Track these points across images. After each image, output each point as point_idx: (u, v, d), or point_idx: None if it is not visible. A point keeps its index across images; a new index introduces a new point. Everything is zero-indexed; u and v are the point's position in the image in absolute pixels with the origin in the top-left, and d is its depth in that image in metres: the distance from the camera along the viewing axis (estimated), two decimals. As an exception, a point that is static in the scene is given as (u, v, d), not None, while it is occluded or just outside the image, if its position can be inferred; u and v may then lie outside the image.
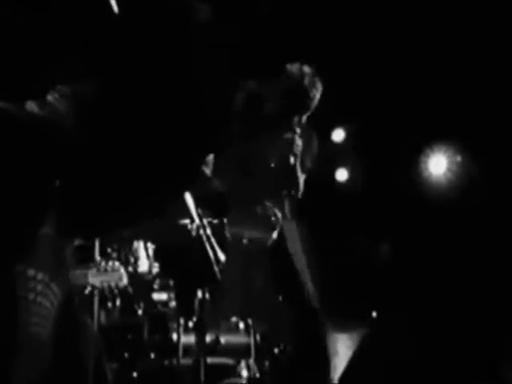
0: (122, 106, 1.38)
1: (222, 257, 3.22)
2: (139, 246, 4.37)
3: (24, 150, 1.29)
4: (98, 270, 3.31)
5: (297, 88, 4.39)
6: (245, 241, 4.01)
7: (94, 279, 3.31)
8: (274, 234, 4.13)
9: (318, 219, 6.75)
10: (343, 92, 6.65)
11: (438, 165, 7.04)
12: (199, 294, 3.43)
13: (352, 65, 6.55)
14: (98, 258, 3.70)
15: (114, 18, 1.57)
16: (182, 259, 3.97)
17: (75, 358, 1.56)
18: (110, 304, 4.29)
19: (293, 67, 4.46)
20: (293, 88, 4.39)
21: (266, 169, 4.28)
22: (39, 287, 1.38)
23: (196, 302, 3.42)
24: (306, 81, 4.41)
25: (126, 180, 1.41)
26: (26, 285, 1.36)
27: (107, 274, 3.34)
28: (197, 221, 3.27)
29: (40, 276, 1.38)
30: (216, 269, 3.15)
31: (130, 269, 4.42)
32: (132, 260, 4.37)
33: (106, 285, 3.34)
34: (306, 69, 4.46)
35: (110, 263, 3.36)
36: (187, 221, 3.47)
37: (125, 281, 3.37)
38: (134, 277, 4.40)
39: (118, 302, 4.32)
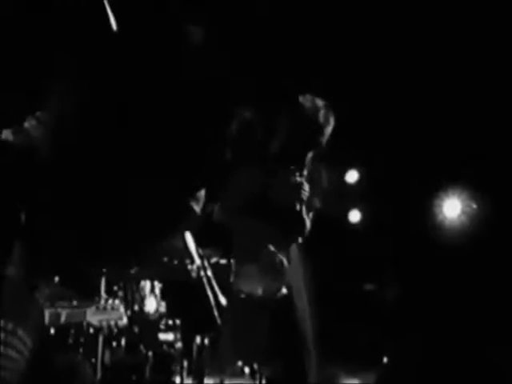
0: (104, 130, 1.34)
1: (222, 300, 3.14)
2: (146, 284, 4.34)
3: None
4: (98, 308, 3.24)
5: (310, 124, 4.03)
6: (252, 298, 3.83)
7: (93, 318, 3.25)
8: (283, 289, 3.90)
9: (329, 260, 6.70)
10: (358, 134, 6.65)
11: (453, 208, 7.00)
12: (198, 339, 3.35)
13: (367, 107, 6.56)
14: (100, 295, 3.64)
15: (111, 34, 1.55)
16: (186, 300, 3.92)
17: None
18: (114, 343, 4.25)
19: (305, 100, 4.07)
20: (306, 124, 4.03)
21: (271, 213, 4.04)
22: (2, 336, 1.29)
23: (194, 347, 3.34)
24: (321, 116, 4.04)
25: (102, 214, 1.37)
26: None
27: (106, 313, 3.28)
28: (197, 262, 3.20)
29: (2, 323, 1.29)
30: (216, 314, 3.06)
31: (136, 307, 4.38)
32: (138, 299, 4.33)
33: (104, 324, 3.28)
34: (320, 102, 4.08)
35: (110, 301, 3.30)
36: (190, 264, 3.40)
37: (124, 320, 3.30)
38: (140, 316, 4.36)
39: (123, 341, 4.27)
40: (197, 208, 1.60)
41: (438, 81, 6.17)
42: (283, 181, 4.00)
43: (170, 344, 4.28)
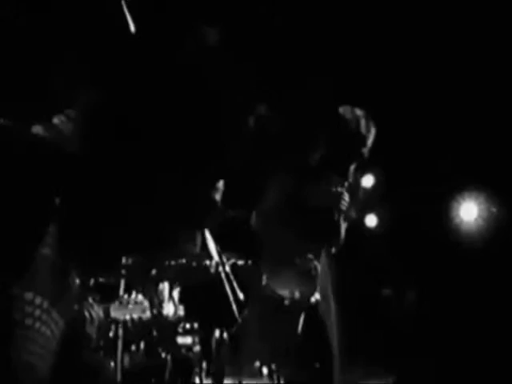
0: (126, 126, 1.39)
1: (240, 296, 3.15)
2: (164, 288, 4.36)
3: (25, 169, 1.30)
4: (121, 303, 3.26)
5: (353, 135, 4.01)
6: (286, 301, 3.81)
7: (117, 313, 3.27)
8: (317, 295, 3.89)
9: (346, 265, 6.69)
10: (375, 138, 6.65)
11: (469, 211, 6.98)
12: (217, 333, 3.36)
13: (383, 112, 6.56)
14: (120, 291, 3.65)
15: (129, 35, 1.60)
16: (205, 300, 3.93)
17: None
18: (133, 347, 4.27)
19: (345, 111, 4.05)
20: (348, 135, 4.00)
21: (308, 220, 4.03)
22: (37, 312, 1.33)
23: (213, 342, 3.35)
24: (363, 126, 4.03)
25: (128, 201, 1.40)
26: (23, 309, 1.31)
27: (130, 307, 3.29)
28: (216, 258, 3.22)
29: (38, 301, 1.33)
30: (234, 308, 3.08)
31: (155, 311, 4.40)
32: (157, 302, 4.35)
33: (128, 318, 3.29)
34: (359, 112, 4.07)
35: (133, 296, 3.32)
36: (208, 260, 3.42)
37: (148, 313, 3.32)
38: (159, 319, 4.38)
39: (141, 345, 4.29)
40: (217, 198, 1.64)
41: (455, 83, 6.17)
42: (325, 190, 3.98)
43: (189, 347, 4.30)
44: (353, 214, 4.14)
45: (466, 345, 6.05)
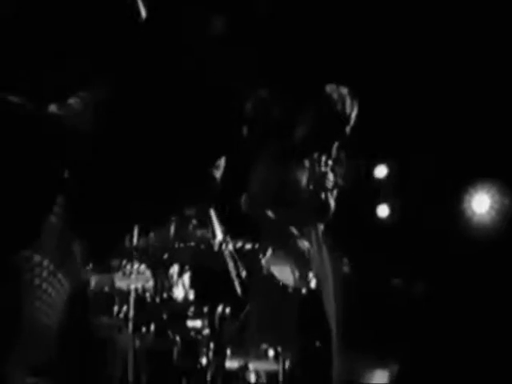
0: (135, 106, 1.47)
1: (243, 274, 3.21)
2: (174, 271, 4.42)
3: (38, 143, 1.41)
4: (124, 273, 3.32)
5: (338, 115, 4.07)
6: (285, 284, 3.87)
7: (121, 283, 3.33)
8: (313, 278, 3.95)
9: (357, 254, 6.72)
10: (386, 129, 6.67)
11: (481, 203, 6.98)
12: (219, 309, 3.42)
13: (396, 103, 6.57)
14: (122, 261, 3.68)
15: (140, 22, 1.68)
16: (213, 283, 3.98)
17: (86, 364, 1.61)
18: (144, 329, 4.34)
19: (331, 90, 4.10)
20: (334, 115, 4.07)
21: (296, 201, 4.09)
22: (44, 273, 1.44)
23: (216, 318, 3.41)
24: (348, 106, 4.07)
25: (135, 177, 1.49)
26: (32, 270, 1.42)
27: (133, 277, 3.35)
28: (220, 236, 3.27)
29: (46, 263, 1.44)
30: (236, 284, 3.13)
31: (165, 295, 4.46)
32: (167, 286, 4.41)
33: (132, 287, 3.35)
34: (344, 90, 4.12)
35: (136, 266, 3.38)
36: (212, 239, 3.48)
37: (151, 282, 3.38)
38: (169, 303, 4.44)
39: (152, 328, 4.36)
40: (217, 175, 1.70)
41: (466, 74, 6.17)
42: (310, 169, 4.06)
43: (198, 331, 4.36)
44: (340, 182, 4.16)
45: (476, 337, 6.07)
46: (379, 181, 7.48)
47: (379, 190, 7.52)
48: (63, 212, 1.44)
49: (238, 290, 3.09)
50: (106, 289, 3.47)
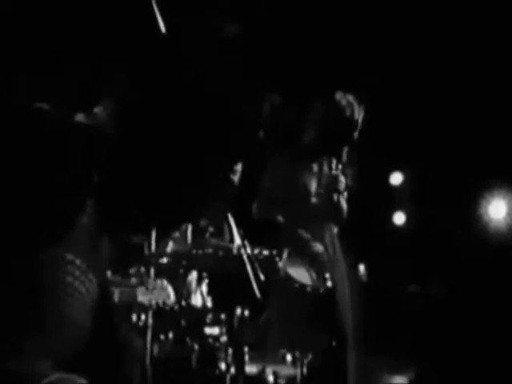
0: (155, 114, 1.54)
1: (262, 277, 3.25)
2: (193, 279, 4.46)
3: (70, 150, 1.50)
4: (147, 288, 3.39)
5: (347, 121, 4.19)
6: (302, 287, 3.92)
7: (143, 297, 3.40)
8: (329, 281, 4.00)
9: (374, 261, 6.74)
10: (402, 136, 6.70)
11: (498, 210, 6.98)
12: (238, 310, 3.46)
13: (412, 110, 6.60)
14: (146, 276, 3.76)
15: (160, 36, 1.76)
16: (231, 289, 4.02)
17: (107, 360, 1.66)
18: (162, 336, 4.37)
19: (339, 97, 4.22)
20: (343, 121, 4.19)
21: (309, 204, 4.17)
22: (77, 272, 1.50)
23: (235, 319, 3.44)
24: (356, 112, 4.19)
25: (158, 180, 1.57)
26: (65, 268, 1.49)
27: (155, 293, 3.41)
28: (238, 241, 3.32)
29: (78, 262, 1.51)
30: (255, 286, 3.17)
31: (183, 302, 4.50)
32: (185, 293, 4.45)
33: (154, 303, 3.42)
34: (351, 97, 4.23)
35: (159, 282, 3.45)
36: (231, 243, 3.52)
37: (172, 299, 3.44)
38: (187, 310, 4.47)
39: (170, 335, 4.39)
40: (235, 179, 1.76)
41: (482, 84, 6.18)
42: (320, 173, 4.17)
43: (216, 337, 4.39)
44: (349, 182, 4.26)
45: (494, 342, 6.05)
46: (395, 188, 7.50)
47: (395, 197, 7.54)
48: (93, 214, 1.52)
49: (257, 292, 3.13)
50: (127, 301, 3.55)
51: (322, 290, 3.89)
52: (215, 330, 4.43)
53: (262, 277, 3.21)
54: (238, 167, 1.89)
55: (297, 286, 3.91)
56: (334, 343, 3.77)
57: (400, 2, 5.94)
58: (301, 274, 3.91)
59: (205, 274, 4.42)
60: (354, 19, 5.91)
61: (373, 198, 6.57)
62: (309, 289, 3.88)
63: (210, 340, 4.37)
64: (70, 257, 1.48)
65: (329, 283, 3.88)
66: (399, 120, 6.57)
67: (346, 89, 4.28)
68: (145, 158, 1.51)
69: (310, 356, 3.63)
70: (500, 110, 6.34)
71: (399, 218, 7.49)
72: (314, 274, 3.91)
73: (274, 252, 3.76)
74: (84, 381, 1.41)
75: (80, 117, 1.58)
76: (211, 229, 4.34)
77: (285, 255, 3.81)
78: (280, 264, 3.77)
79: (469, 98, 6.40)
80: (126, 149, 1.51)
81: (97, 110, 1.60)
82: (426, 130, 6.67)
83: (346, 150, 4.28)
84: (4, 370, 1.34)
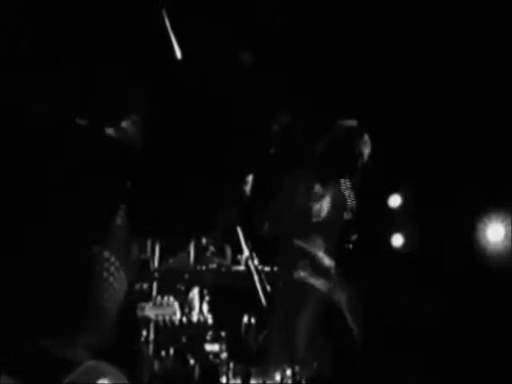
0: (175, 129, 1.65)
1: (268, 288, 3.30)
2: (194, 296, 4.49)
3: (105, 161, 1.61)
4: (154, 303, 3.48)
5: (350, 149, 4.28)
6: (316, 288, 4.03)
7: (150, 312, 3.47)
8: (338, 294, 4.08)
9: (373, 283, 6.76)
10: (400, 159, 6.75)
11: (496, 232, 7.01)
12: (245, 319, 3.50)
13: (409, 133, 6.66)
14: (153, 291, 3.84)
15: (176, 61, 1.84)
16: (233, 306, 4.07)
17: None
18: (163, 353, 4.39)
19: (343, 124, 4.31)
20: (346, 149, 4.27)
21: (319, 222, 4.24)
22: (112, 269, 1.60)
23: (242, 327, 3.49)
24: (361, 142, 4.28)
25: (178, 188, 1.67)
26: (102, 264, 1.58)
27: (162, 308, 3.49)
28: (246, 253, 3.37)
29: (113, 259, 1.60)
30: (261, 295, 3.21)
31: (184, 319, 4.52)
32: (187, 310, 4.48)
33: (160, 318, 3.49)
34: (357, 127, 4.32)
35: (166, 298, 3.52)
36: (239, 255, 3.59)
37: (178, 315, 3.51)
38: (188, 327, 4.50)
39: (171, 351, 4.41)
40: (246, 190, 1.83)
41: (477, 105, 6.25)
42: (330, 192, 4.25)
43: (216, 354, 4.41)
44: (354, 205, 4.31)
45: (493, 367, 6.07)
46: (393, 210, 7.54)
47: (393, 220, 7.57)
48: (125, 217, 1.61)
49: (263, 301, 3.17)
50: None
51: (336, 297, 3.98)
52: (215, 347, 4.46)
53: (268, 287, 3.27)
54: (249, 178, 1.96)
55: (311, 291, 3.99)
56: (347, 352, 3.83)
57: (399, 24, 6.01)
58: (316, 282, 3.99)
59: (206, 291, 4.45)
60: (361, 47, 5.98)
61: (371, 219, 6.61)
62: (325, 296, 3.97)
63: (211, 357, 4.40)
64: (106, 254, 1.58)
65: (342, 296, 3.95)
66: (397, 143, 6.63)
67: (347, 114, 4.37)
68: (168, 167, 1.62)
69: (309, 371, 3.67)
70: (498, 133, 6.40)
71: (397, 241, 7.51)
72: (328, 284, 4.00)
73: (279, 268, 3.83)
74: (113, 368, 1.47)
75: (109, 131, 1.69)
76: (212, 248, 4.39)
77: (302, 266, 3.89)
78: (295, 275, 3.85)
79: (466, 121, 6.46)
80: (152, 159, 1.62)
81: (124, 124, 1.70)
82: (425, 153, 6.72)
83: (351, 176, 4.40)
84: (50, 356, 1.42)
